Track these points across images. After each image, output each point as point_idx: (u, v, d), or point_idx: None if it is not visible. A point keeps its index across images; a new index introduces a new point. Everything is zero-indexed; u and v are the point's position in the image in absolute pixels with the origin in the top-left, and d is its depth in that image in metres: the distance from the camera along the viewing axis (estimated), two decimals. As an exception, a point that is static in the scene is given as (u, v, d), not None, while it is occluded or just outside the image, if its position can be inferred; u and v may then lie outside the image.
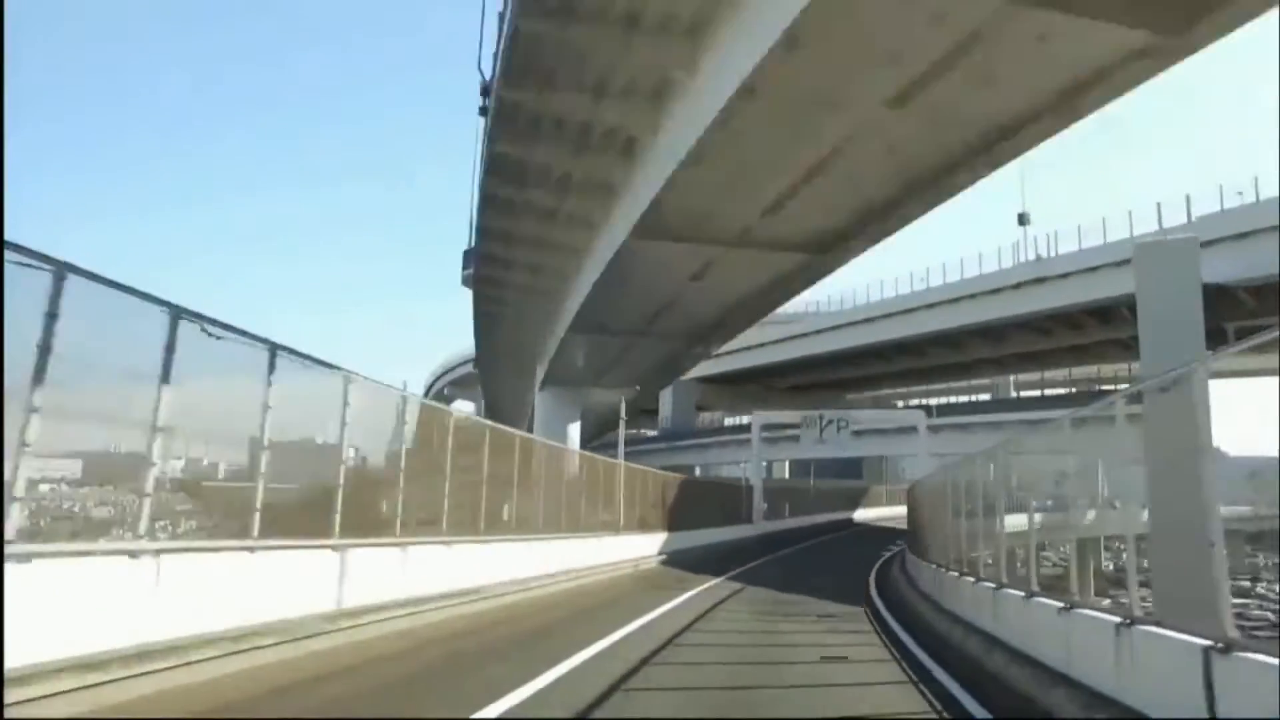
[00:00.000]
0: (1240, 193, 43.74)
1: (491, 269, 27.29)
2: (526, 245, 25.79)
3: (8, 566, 4.68)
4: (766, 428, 56.66)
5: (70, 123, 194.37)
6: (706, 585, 17.29)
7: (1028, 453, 11.04)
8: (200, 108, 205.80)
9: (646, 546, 21.90)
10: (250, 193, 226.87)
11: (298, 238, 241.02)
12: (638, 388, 36.07)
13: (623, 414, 25.58)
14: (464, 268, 28.57)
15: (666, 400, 75.20)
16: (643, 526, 22.15)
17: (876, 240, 23.33)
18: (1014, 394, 69.06)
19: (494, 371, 42.73)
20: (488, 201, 23.60)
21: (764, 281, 26.54)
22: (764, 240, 22.96)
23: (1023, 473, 10.92)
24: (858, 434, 46.27)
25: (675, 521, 25.23)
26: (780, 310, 72.46)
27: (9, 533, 4.90)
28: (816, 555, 29.14)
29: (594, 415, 50.25)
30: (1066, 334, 53.47)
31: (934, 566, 15.25)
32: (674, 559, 22.80)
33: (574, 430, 35.56)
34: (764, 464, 75.77)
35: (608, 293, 25.35)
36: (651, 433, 77.44)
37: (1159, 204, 43.05)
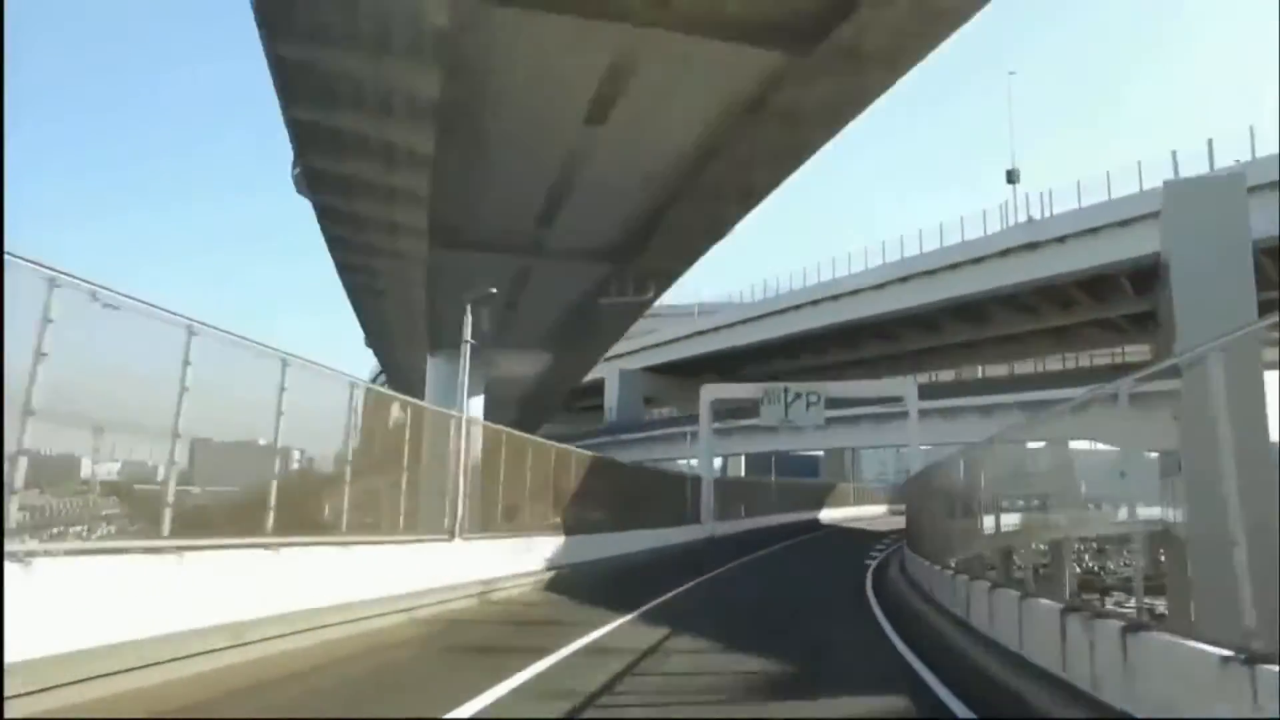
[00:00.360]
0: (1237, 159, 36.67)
1: (322, 157, 17.71)
2: (357, 104, 15.92)
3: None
4: (722, 415, 48.45)
5: (69, 121, 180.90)
6: (594, 638, 8.77)
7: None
8: (201, 105, 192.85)
9: (519, 559, 13.29)
10: (250, 192, 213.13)
11: (297, 237, 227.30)
12: (549, 355, 27.55)
13: (467, 324, 16.14)
14: (293, 166, 19.39)
15: (612, 392, 67.09)
16: (515, 527, 13.56)
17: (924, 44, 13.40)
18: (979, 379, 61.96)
19: (387, 342, 33.80)
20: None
21: (711, 114, 15.91)
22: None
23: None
24: (830, 420, 38.06)
25: (583, 520, 16.76)
26: (734, 298, 64.56)
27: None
28: (785, 567, 20.93)
29: (525, 399, 41.43)
30: (1054, 313, 46.24)
31: (983, 585, 8.82)
32: (569, 579, 14.24)
33: (477, 407, 26.74)
34: (719, 460, 67.79)
35: (461, 152, 16.25)
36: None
37: (1174, 152, 36.01)
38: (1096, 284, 41.65)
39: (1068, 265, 39.63)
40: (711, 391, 33.40)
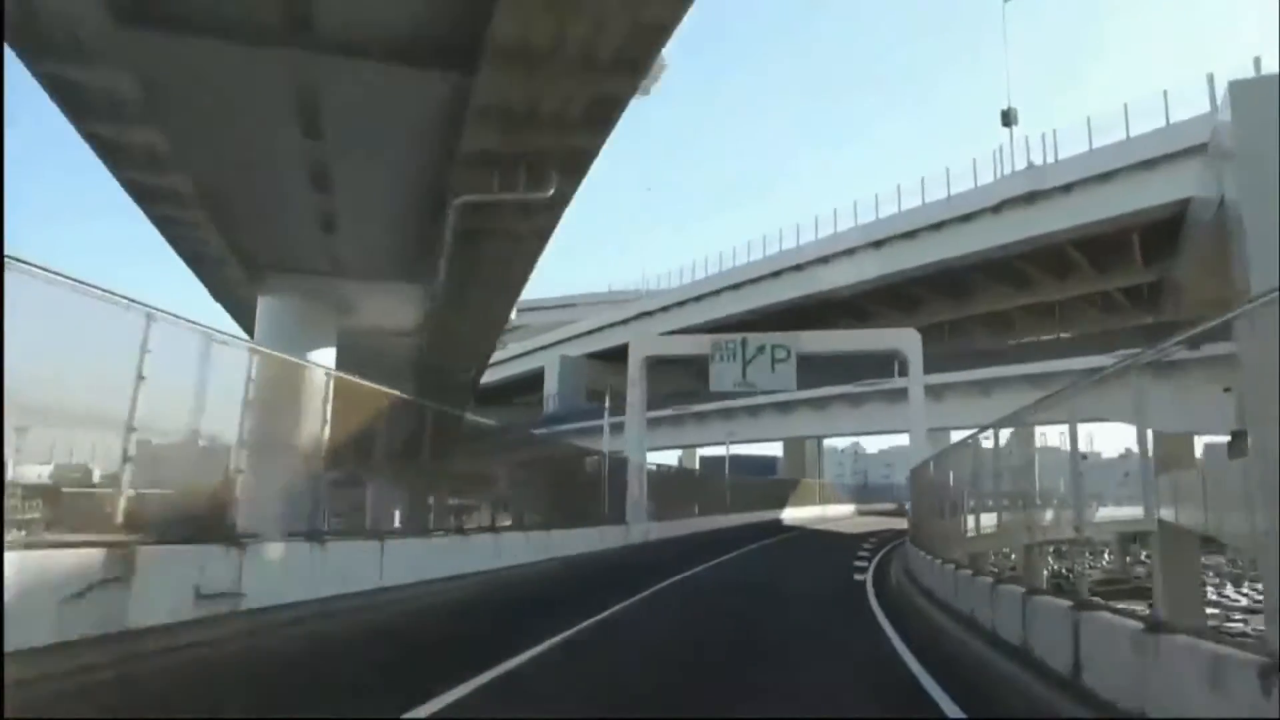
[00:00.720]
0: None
1: None
2: None
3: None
4: (662, 400, 40.62)
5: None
6: None
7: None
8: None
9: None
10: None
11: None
12: (419, 290, 19.15)
13: None
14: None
15: (551, 380, 58.97)
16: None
17: None
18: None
19: (223, 286, 25.00)
20: None
21: None
22: None
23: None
24: (793, 404, 30.38)
25: (357, 511, 8.51)
26: (686, 275, 56.12)
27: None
28: (740, 588, 12.86)
29: (424, 370, 32.76)
30: (1048, 284, 39.15)
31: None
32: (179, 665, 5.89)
33: (326, 361, 18.18)
34: (677, 455, 59.64)
35: None
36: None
37: (1210, 75, 28.98)
38: (1101, 245, 34.62)
39: (1074, 219, 32.47)
40: (644, 347, 25.16)
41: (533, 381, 63.14)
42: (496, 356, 75.28)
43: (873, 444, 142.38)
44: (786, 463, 66.02)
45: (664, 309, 51.30)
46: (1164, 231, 31.66)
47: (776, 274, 43.32)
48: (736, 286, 45.61)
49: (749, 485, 37.90)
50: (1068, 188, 32.28)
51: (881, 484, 75.63)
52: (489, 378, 72.29)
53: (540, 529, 14.08)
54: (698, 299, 48.64)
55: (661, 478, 25.59)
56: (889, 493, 69.58)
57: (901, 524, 39.92)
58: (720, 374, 23.14)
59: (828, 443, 78.54)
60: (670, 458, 56.45)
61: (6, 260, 4.85)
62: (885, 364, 37.23)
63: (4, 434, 4.75)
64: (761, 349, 22.17)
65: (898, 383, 31.30)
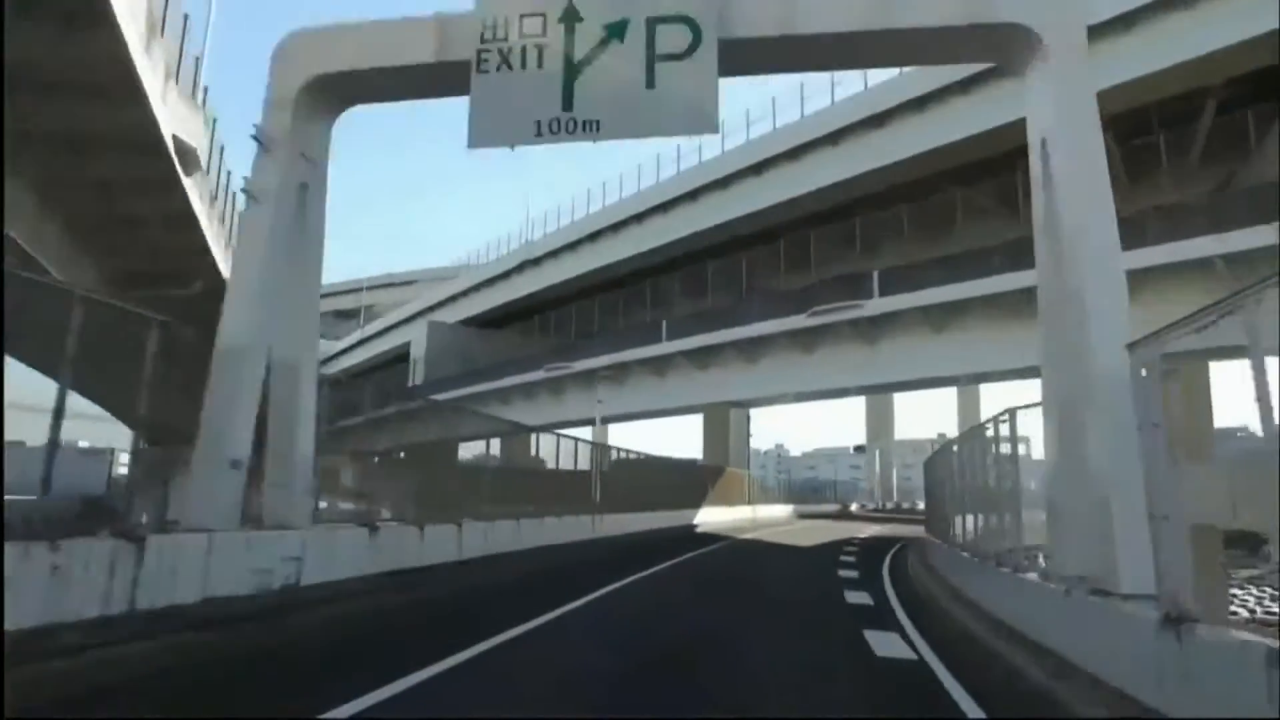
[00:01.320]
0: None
1: None
2: None
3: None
4: (530, 360, 27.82)
5: None
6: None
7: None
8: None
9: None
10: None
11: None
12: None
13: None
14: None
15: (419, 346, 46.34)
16: None
17: None
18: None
19: None
20: None
21: None
22: None
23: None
24: (705, 353, 18.07)
25: None
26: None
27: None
28: None
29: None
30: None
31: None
32: None
33: None
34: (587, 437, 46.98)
35: None
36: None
37: None
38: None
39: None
40: (310, 50, 8.46)
41: (404, 359, 50.44)
42: (356, 336, 61.35)
43: (796, 446, 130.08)
44: (708, 457, 54.18)
45: (524, 266, 38.75)
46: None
47: (679, 198, 31.07)
48: (593, 237, 33.15)
49: (644, 473, 24.27)
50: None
51: (817, 482, 64.73)
52: (354, 360, 58.28)
53: None
54: (569, 246, 36.23)
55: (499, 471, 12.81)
56: (829, 491, 58.75)
57: (862, 531, 27.59)
58: (498, 97, 7.54)
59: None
60: (580, 441, 43.82)
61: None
62: (855, 285, 24.71)
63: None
64: (620, 26, 7.74)
65: (882, 303, 19.42)
